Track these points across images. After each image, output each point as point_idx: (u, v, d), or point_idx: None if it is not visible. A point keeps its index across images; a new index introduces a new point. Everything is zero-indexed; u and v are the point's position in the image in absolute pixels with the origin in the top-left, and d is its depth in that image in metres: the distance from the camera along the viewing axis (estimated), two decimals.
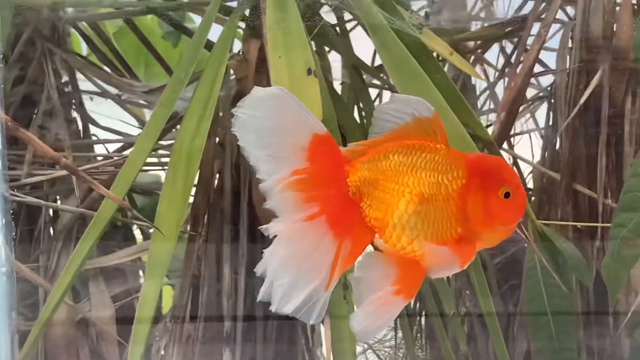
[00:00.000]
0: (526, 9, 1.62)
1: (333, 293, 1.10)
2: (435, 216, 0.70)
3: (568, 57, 1.55)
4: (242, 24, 1.29)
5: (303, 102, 1.03)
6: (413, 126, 0.71)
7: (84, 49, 1.68)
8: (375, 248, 0.73)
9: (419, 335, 1.62)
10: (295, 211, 0.68)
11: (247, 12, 1.22)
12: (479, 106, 1.79)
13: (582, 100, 1.44)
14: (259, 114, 0.68)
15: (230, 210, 1.22)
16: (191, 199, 1.23)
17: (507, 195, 0.70)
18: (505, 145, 1.61)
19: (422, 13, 1.63)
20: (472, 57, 1.74)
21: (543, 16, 1.47)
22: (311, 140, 0.69)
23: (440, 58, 1.47)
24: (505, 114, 1.47)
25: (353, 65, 1.43)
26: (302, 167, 0.69)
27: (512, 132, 1.62)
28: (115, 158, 1.38)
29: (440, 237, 0.70)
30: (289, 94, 0.70)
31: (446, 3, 1.70)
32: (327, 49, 1.44)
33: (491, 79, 1.77)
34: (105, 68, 1.53)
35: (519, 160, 1.62)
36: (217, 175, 1.25)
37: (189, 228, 1.24)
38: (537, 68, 1.71)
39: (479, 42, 1.65)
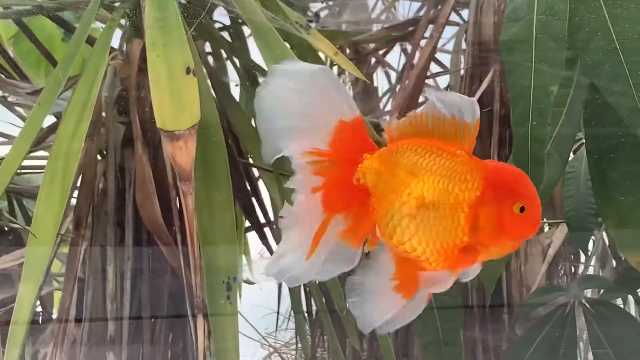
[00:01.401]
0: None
1: (218, 291, 1.11)
2: (435, 223, 0.68)
3: (462, 58, 1.58)
4: None
5: (181, 101, 1.05)
6: (453, 126, 0.67)
7: None
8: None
9: (321, 335, 1.63)
10: (304, 179, 0.69)
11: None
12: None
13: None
14: (296, 86, 0.68)
15: (115, 212, 1.20)
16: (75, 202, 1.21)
17: (522, 209, 0.67)
18: None
19: (322, 14, 1.65)
20: (374, 59, 1.76)
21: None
22: (336, 125, 0.69)
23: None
24: (400, 114, 1.50)
25: (246, 67, 1.43)
26: (323, 150, 0.69)
27: None
28: None
29: (441, 245, 0.68)
30: (331, 75, 0.69)
31: (347, 5, 1.73)
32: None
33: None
34: None
35: None
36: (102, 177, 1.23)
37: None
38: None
39: (378, 44, 1.66)
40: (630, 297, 1.42)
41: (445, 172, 0.67)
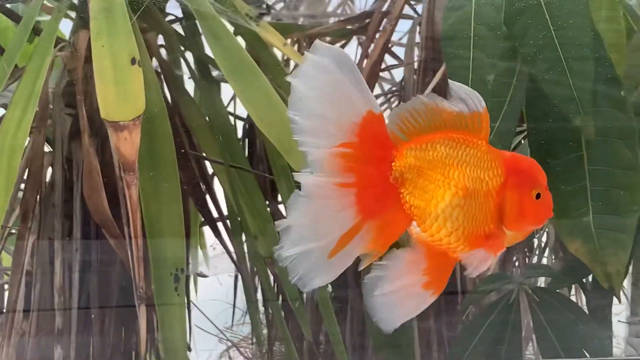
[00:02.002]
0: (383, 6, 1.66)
1: (165, 283, 1.11)
2: (475, 211, 0.70)
3: (417, 51, 1.59)
4: None
5: (125, 91, 1.04)
6: (466, 118, 0.69)
7: None
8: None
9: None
10: (332, 174, 0.67)
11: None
12: None
13: (426, 93, 1.48)
14: (323, 77, 0.66)
15: (63, 204, 1.19)
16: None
17: (538, 196, 0.71)
18: None
19: (278, 7, 1.65)
20: None
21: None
22: (365, 116, 0.67)
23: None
24: None
25: (201, 60, 1.43)
26: (351, 141, 0.67)
27: None
28: None
29: (476, 233, 0.70)
30: (354, 65, 0.67)
31: None
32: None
33: None
34: None
35: None
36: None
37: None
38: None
39: (333, 37, 1.66)
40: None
41: (476, 161, 0.70)
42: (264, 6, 1.31)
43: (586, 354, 1.05)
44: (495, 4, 0.91)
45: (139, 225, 0.98)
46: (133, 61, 1.04)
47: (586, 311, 1.25)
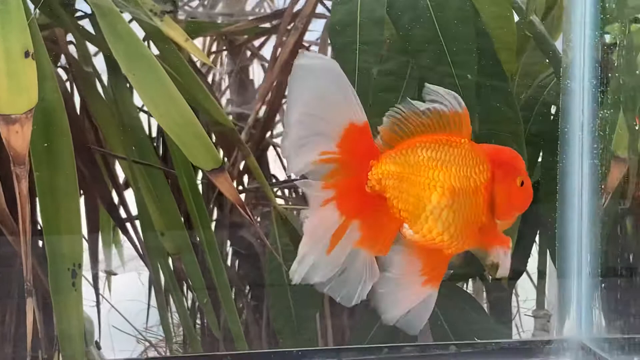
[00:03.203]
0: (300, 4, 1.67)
1: (62, 278, 1.10)
2: (465, 208, 0.72)
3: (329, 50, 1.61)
4: None
5: (18, 84, 1.03)
6: (446, 119, 0.72)
7: None
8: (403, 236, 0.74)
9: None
10: (314, 193, 0.70)
11: None
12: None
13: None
14: (308, 84, 0.69)
15: None
16: None
17: (522, 183, 0.75)
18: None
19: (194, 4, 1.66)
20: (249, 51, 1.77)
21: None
22: (347, 127, 0.69)
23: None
24: (267, 104, 1.52)
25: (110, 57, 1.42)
26: (331, 151, 0.70)
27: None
28: None
29: (468, 228, 0.73)
30: (341, 72, 0.69)
31: None
32: None
33: None
34: None
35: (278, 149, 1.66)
36: None
37: None
38: None
39: (247, 35, 1.67)
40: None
41: (461, 160, 0.73)
42: (170, 2, 1.30)
43: (476, 339, 1.09)
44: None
45: (27, 219, 0.97)
46: (27, 54, 1.03)
47: (478, 301, 1.29)
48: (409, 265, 0.74)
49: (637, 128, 0.94)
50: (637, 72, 0.92)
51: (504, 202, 0.74)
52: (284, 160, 1.69)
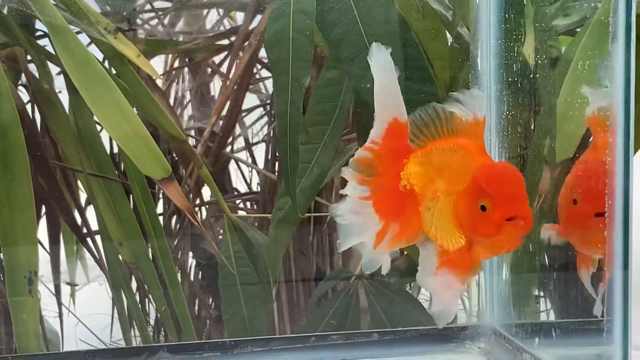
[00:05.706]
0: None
1: (19, 285, 1.15)
2: (442, 214, 0.73)
3: None
4: None
5: None
6: (473, 124, 0.73)
7: None
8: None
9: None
10: (353, 185, 0.75)
11: None
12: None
13: None
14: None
15: None
16: None
17: (483, 208, 0.69)
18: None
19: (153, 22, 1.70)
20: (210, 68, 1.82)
21: None
22: (391, 122, 0.74)
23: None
24: (224, 119, 1.57)
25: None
26: (375, 142, 0.74)
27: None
28: None
29: (447, 239, 0.73)
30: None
31: (181, 16, 1.78)
32: None
33: None
34: None
35: (240, 164, 1.71)
36: None
37: None
38: None
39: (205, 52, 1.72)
40: None
41: (456, 167, 0.73)
42: (125, 20, 1.36)
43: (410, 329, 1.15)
44: (307, 14, 0.99)
45: None
46: None
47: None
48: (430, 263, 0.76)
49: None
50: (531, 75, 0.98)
51: (464, 219, 0.71)
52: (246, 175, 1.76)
